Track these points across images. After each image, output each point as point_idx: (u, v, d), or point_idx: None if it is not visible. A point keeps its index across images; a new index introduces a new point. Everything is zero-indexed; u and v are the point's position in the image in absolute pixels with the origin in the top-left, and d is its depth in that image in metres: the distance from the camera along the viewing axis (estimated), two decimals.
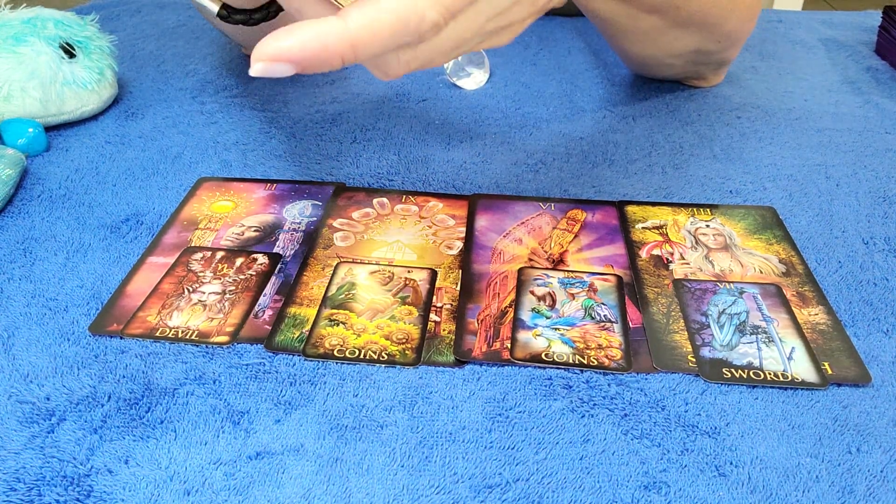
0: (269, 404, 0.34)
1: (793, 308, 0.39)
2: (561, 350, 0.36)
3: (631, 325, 0.38)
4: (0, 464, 0.31)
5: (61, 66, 0.55)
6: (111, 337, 0.38)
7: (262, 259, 0.43)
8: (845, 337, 0.37)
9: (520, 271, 0.42)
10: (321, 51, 0.27)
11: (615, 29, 0.54)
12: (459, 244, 0.44)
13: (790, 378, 0.35)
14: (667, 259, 0.43)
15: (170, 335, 0.37)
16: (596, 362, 0.36)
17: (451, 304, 0.39)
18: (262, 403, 0.34)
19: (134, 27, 0.79)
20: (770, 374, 0.35)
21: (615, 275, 0.42)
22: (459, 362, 0.36)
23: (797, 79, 0.66)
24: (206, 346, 0.37)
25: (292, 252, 0.43)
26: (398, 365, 0.36)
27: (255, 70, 0.27)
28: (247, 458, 0.31)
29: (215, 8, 0.39)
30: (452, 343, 0.37)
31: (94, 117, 0.59)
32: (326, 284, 0.41)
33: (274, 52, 0.27)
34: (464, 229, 0.45)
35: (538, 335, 0.37)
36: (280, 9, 0.41)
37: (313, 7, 0.30)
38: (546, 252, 0.43)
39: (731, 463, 0.31)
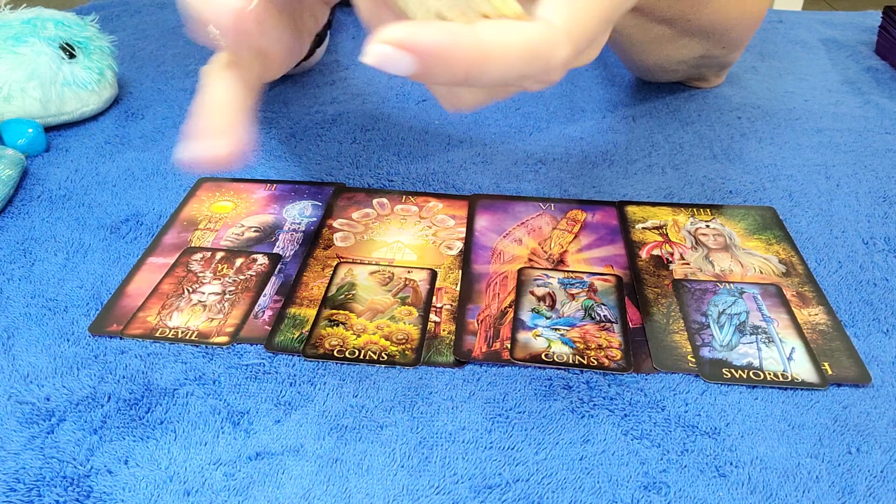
0: (269, 405, 0.34)
1: (793, 308, 0.39)
2: (561, 350, 0.36)
3: (631, 326, 0.38)
4: (0, 464, 0.31)
5: (61, 67, 0.55)
6: (111, 337, 0.38)
7: (261, 259, 0.43)
8: (845, 337, 0.37)
9: (520, 272, 0.42)
10: (452, 53, 0.24)
11: (624, 38, 0.54)
12: (459, 244, 0.44)
13: (790, 378, 0.35)
14: (667, 259, 0.43)
15: (170, 335, 0.37)
16: (596, 363, 0.36)
17: (451, 305, 0.39)
18: (261, 404, 0.34)
19: (134, 27, 0.79)
20: (770, 374, 0.35)
21: (615, 275, 0.42)
22: (459, 363, 0.36)
23: (797, 79, 0.66)
24: (206, 347, 0.37)
25: (292, 252, 0.43)
26: (398, 365, 0.36)
27: (374, 55, 0.24)
28: (247, 458, 0.31)
29: None
30: (452, 343, 0.37)
31: (94, 118, 0.59)
32: (326, 285, 0.41)
33: (403, 39, 0.23)
34: (464, 229, 0.45)
35: (538, 335, 0.37)
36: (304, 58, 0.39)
37: (389, 17, 0.28)
38: (546, 252, 0.43)
39: (731, 463, 0.31)
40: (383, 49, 0.23)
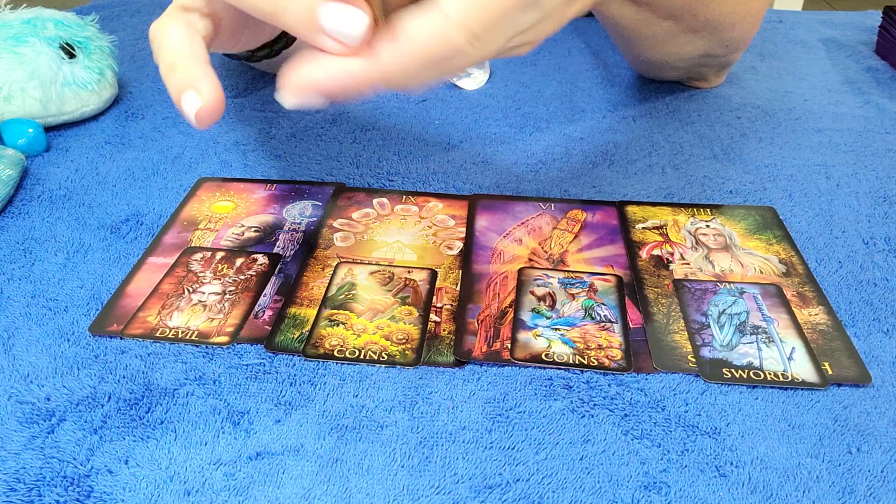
0: (269, 405, 0.34)
1: (793, 308, 0.39)
2: (561, 350, 0.36)
3: (631, 326, 0.38)
4: (0, 464, 0.31)
5: (61, 67, 0.55)
6: (111, 337, 0.38)
7: (262, 259, 0.43)
8: (845, 337, 0.37)
9: (520, 271, 0.42)
10: (351, 83, 0.26)
11: (629, 33, 0.54)
12: (459, 244, 0.44)
13: (790, 378, 0.35)
14: (667, 259, 0.43)
15: (170, 335, 0.37)
16: (596, 362, 0.36)
17: (452, 305, 0.39)
18: (262, 404, 0.34)
19: (134, 27, 0.79)
20: (770, 374, 0.35)
21: (615, 275, 0.42)
22: (459, 362, 0.36)
23: (797, 79, 0.66)
24: (206, 347, 0.37)
25: (292, 252, 0.43)
26: (398, 365, 0.36)
27: (288, 102, 0.26)
28: (247, 458, 0.31)
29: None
30: (452, 343, 0.37)
31: (94, 117, 0.59)
32: (326, 285, 0.41)
33: (309, 84, 0.26)
34: (464, 229, 0.45)
35: (538, 335, 0.37)
36: (283, 47, 0.40)
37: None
38: (546, 252, 0.43)
39: (732, 463, 0.31)
40: (292, 99, 0.26)
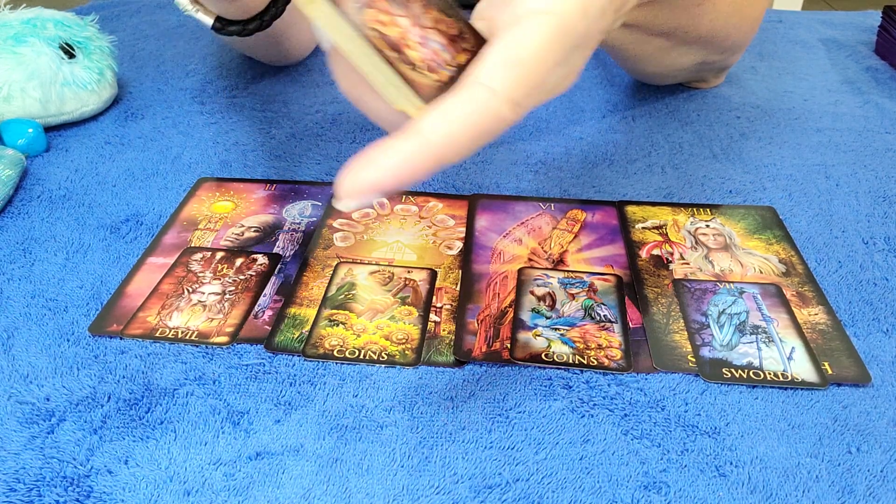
0: (269, 405, 0.34)
1: (793, 308, 0.39)
2: (561, 350, 0.36)
3: (631, 325, 0.38)
4: (0, 464, 0.31)
5: (61, 67, 0.55)
6: (111, 337, 0.38)
7: (261, 259, 0.43)
8: (845, 337, 0.37)
9: (520, 271, 0.42)
10: (410, 173, 0.26)
11: (623, 53, 0.54)
12: (459, 244, 0.44)
13: (790, 378, 0.35)
14: (667, 259, 0.43)
15: (170, 336, 0.37)
16: (596, 362, 0.36)
17: (451, 305, 0.39)
18: (261, 404, 0.34)
19: (134, 27, 0.79)
20: (770, 373, 0.35)
21: (615, 275, 0.42)
22: (459, 362, 0.36)
23: (797, 79, 0.66)
24: (206, 347, 0.37)
25: (292, 252, 0.43)
26: (398, 365, 0.36)
27: (345, 206, 0.26)
28: (247, 458, 0.31)
29: (209, 21, 0.39)
30: (452, 343, 0.37)
31: (94, 118, 0.59)
32: (326, 285, 0.41)
33: (367, 186, 0.26)
34: (464, 229, 0.45)
35: (538, 335, 0.37)
36: (274, 17, 0.40)
37: (372, 102, 0.29)
38: (546, 252, 0.43)
39: (731, 463, 0.31)
40: (352, 203, 0.26)
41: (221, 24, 0.39)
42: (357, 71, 0.27)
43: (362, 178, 0.26)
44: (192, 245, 0.44)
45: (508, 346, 0.37)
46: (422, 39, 0.26)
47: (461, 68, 0.27)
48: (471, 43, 0.27)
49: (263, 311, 0.39)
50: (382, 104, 0.28)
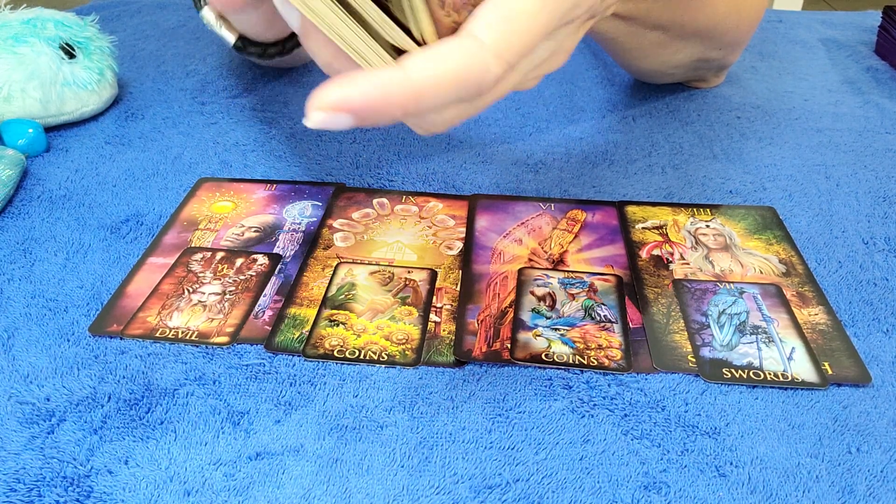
0: (269, 405, 0.34)
1: (793, 308, 0.39)
2: (561, 350, 0.36)
3: (631, 326, 0.38)
4: (0, 464, 0.31)
5: (61, 67, 0.55)
6: (111, 337, 0.38)
7: (262, 259, 0.43)
8: (845, 337, 0.37)
9: (520, 272, 0.42)
10: (382, 101, 0.25)
11: (618, 45, 0.54)
12: (459, 244, 0.44)
13: (790, 378, 0.35)
14: (667, 259, 0.43)
15: (170, 336, 0.37)
16: (596, 362, 0.36)
17: (451, 305, 0.39)
18: (262, 404, 0.34)
19: (134, 27, 0.79)
20: (770, 374, 0.35)
21: (615, 275, 0.42)
22: (459, 363, 0.36)
23: (797, 79, 0.66)
24: (206, 347, 0.37)
25: (292, 252, 0.43)
26: (398, 365, 0.36)
27: (314, 121, 0.26)
28: (247, 458, 0.31)
29: (231, 39, 0.39)
30: (452, 343, 0.37)
31: (94, 118, 0.59)
32: (326, 285, 0.41)
33: (335, 101, 0.25)
34: (464, 229, 0.45)
35: (538, 335, 0.37)
36: (296, 45, 0.40)
37: (345, 64, 0.29)
38: (546, 252, 0.43)
39: (731, 463, 0.31)
40: (323, 115, 0.25)
41: (243, 45, 0.39)
42: (332, 41, 0.27)
43: (334, 92, 0.25)
44: (193, 245, 0.44)
45: (508, 346, 0.37)
46: None
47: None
48: None
49: (263, 312, 0.39)
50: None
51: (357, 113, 0.25)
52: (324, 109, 0.25)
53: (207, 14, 0.38)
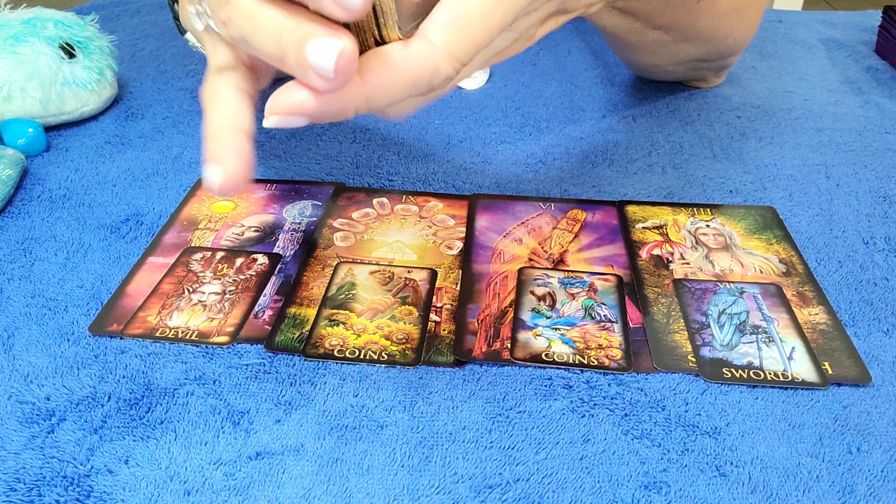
0: (269, 404, 0.34)
1: (793, 308, 0.39)
2: (561, 350, 0.36)
3: (631, 325, 0.38)
4: (0, 464, 0.31)
5: (61, 67, 0.55)
6: (111, 337, 0.38)
7: (262, 259, 0.43)
8: (845, 337, 0.37)
9: (520, 271, 0.42)
10: (335, 103, 0.27)
11: (621, 41, 0.55)
12: (459, 244, 0.44)
13: (790, 378, 0.35)
14: (667, 259, 0.43)
15: (170, 335, 0.37)
16: (596, 362, 0.36)
17: (451, 304, 0.39)
18: (262, 404, 0.34)
19: (134, 27, 0.79)
20: (770, 373, 0.35)
21: (615, 275, 0.42)
22: (459, 362, 0.36)
23: (797, 79, 0.66)
24: (206, 347, 0.37)
25: (292, 252, 0.43)
26: (398, 365, 0.36)
27: (269, 122, 0.27)
28: (247, 458, 0.31)
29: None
30: (452, 343, 0.37)
31: (94, 117, 0.59)
32: (326, 284, 0.41)
33: (289, 106, 0.27)
34: (464, 229, 0.45)
35: (538, 335, 0.37)
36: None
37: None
38: (546, 252, 0.43)
39: (732, 463, 0.31)
40: (276, 118, 0.27)
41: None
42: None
43: (289, 97, 0.27)
44: (193, 245, 0.44)
45: (508, 345, 0.37)
46: None
47: None
48: None
49: (263, 311, 0.39)
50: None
51: (311, 115, 0.27)
52: (278, 113, 0.27)
53: (191, 38, 0.38)
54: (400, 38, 0.27)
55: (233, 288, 0.41)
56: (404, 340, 0.37)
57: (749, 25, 0.55)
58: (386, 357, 0.36)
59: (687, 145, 0.55)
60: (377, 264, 0.42)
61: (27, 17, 0.55)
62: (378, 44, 0.28)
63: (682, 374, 0.35)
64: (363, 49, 0.28)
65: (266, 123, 0.27)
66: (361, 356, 0.36)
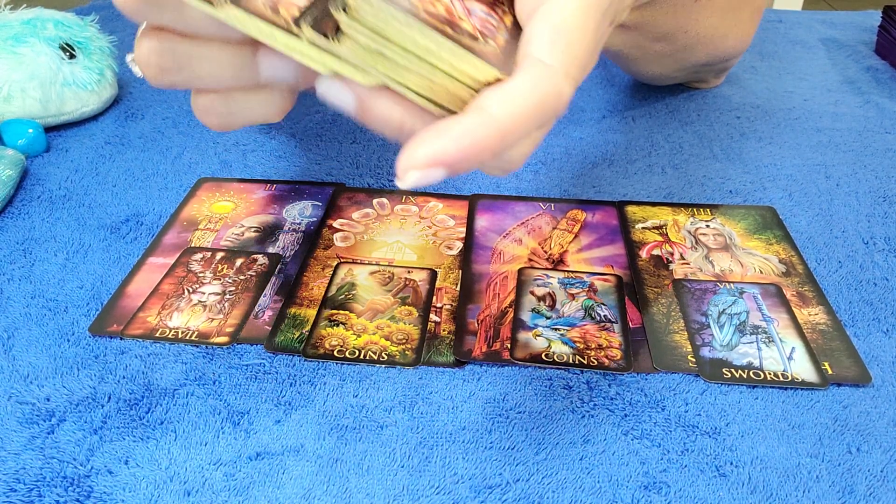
0: (269, 405, 0.34)
1: (793, 308, 0.39)
2: (561, 350, 0.36)
3: (631, 326, 0.38)
4: (0, 464, 0.31)
5: (61, 67, 0.55)
6: (111, 337, 0.38)
7: (262, 259, 0.43)
8: (845, 337, 0.37)
9: (520, 271, 0.42)
10: (474, 148, 0.24)
11: (626, 57, 0.55)
12: (459, 244, 0.44)
13: (790, 378, 0.35)
14: (667, 259, 0.43)
15: (170, 336, 0.37)
16: (596, 362, 0.36)
17: (451, 305, 0.39)
18: (262, 404, 0.34)
19: (134, 27, 0.79)
20: (770, 374, 0.35)
21: (615, 275, 0.42)
22: (459, 363, 0.36)
23: (797, 79, 0.66)
24: (206, 347, 0.37)
25: (292, 252, 0.43)
26: (398, 365, 0.36)
27: (408, 181, 0.24)
28: (247, 458, 0.31)
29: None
30: (452, 343, 0.37)
31: (94, 118, 0.59)
32: (326, 285, 0.41)
33: (429, 158, 0.24)
34: (464, 229, 0.45)
35: (538, 335, 0.37)
36: None
37: (417, 121, 0.27)
38: (546, 252, 0.43)
39: (732, 463, 0.31)
40: (417, 174, 0.24)
41: None
42: (402, 101, 0.26)
43: (425, 150, 0.24)
44: (193, 245, 0.44)
45: (508, 346, 0.37)
46: (465, 10, 0.25)
47: (509, 31, 0.26)
48: (506, 3, 0.27)
49: (263, 312, 0.39)
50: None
51: (451, 165, 0.24)
52: (418, 168, 0.24)
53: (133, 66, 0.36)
54: (499, 79, 0.25)
55: (233, 288, 0.41)
56: (404, 341, 0.37)
57: (748, 25, 0.55)
58: (386, 357, 0.36)
59: (687, 146, 0.55)
60: (377, 264, 0.42)
61: (27, 18, 0.55)
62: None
63: (681, 375, 0.35)
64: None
65: (404, 184, 0.24)
66: (361, 356, 0.36)
